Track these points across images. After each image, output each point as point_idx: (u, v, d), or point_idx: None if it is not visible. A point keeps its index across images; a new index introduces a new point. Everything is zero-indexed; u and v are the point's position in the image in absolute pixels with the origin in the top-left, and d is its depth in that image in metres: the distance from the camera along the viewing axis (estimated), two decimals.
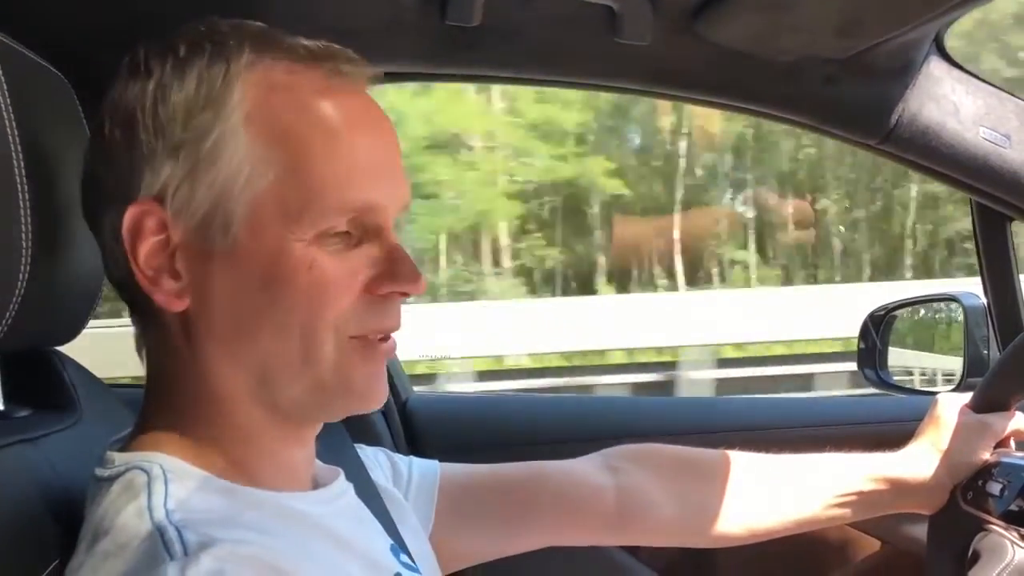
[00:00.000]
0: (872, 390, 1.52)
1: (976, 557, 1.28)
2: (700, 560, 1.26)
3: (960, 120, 1.08)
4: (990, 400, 0.98)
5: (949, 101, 1.08)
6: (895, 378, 1.52)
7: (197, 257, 0.62)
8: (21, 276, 0.64)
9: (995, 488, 0.94)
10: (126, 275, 0.64)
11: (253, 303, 0.62)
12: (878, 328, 1.54)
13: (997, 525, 0.94)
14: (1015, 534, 0.92)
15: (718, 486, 0.95)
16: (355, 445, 0.89)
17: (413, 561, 0.78)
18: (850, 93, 1.08)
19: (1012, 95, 1.11)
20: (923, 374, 1.56)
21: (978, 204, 1.26)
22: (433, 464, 0.92)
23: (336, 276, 0.62)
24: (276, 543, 0.60)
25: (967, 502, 0.96)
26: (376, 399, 0.68)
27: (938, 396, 1.01)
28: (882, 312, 1.56)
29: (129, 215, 0.62)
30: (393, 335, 0.68)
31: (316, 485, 0.72)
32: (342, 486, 0.74)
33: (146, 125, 0.61)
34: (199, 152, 0.61)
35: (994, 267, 1.32)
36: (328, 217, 0.62)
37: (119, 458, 0.64)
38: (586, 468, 0.95)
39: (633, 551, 1.23)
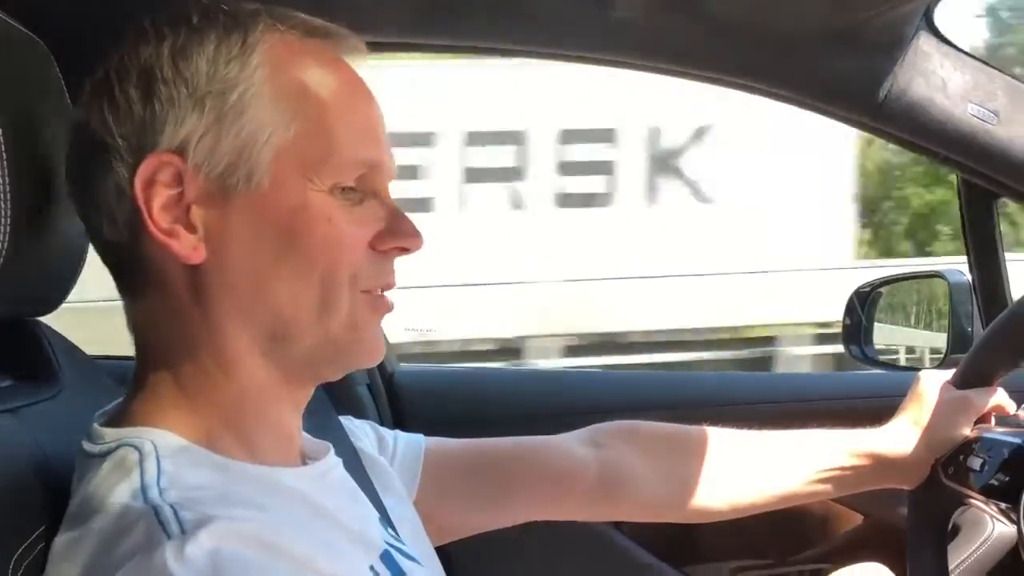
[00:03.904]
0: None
1: (956, 531, 1.30)
2: (683, 532, 1.27)
3: (948, 96, 1.08)
4: (972, 376, 0.99)
5: (938, 76, 1.08)
6: (880, 354, 1.53)
7: (215, 209, 0.63)
8: (1, 246, 0.64)
9: (976, 463, 0.95)
10: (129, 233, 0.63)
11: (273, 253, 0.63)
12: (863, 304, 1.55)
13: (977, 499, 0.95)
14: (994, 508, 0.93)
15: (701, 462, 0.95)
16: (341, 416, 0.89)
17: (398, 533, 0.78)
18: (840, 67, 1.07)
19: (1000, 71, 1.10)
20: (908, 350, 1.57)
21: (964, 181, 1.27)
22: (418, 438, 0.92)
23: (350, 229, 0.65)
24: (271, 518, 0.60)
25: (948, 477, 0.97)
26: (379, 353, 0.71)
27: (920, 373, 1.02)
28: (867, 289, 1.56)
29: (145, 167, 0.62)
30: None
31: (305, 460, 0.72)
32: (331, 461, 0.74)
33: (167, 80, 0.62)
34: (225, 104, 0.62)
35: (979, 244, 1.33)
36: (344, 170, 0.65)
37: (109, 434, 0.63)
38: (570, 444, 0.96)
39: (616, 523, 1.23)
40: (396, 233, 0.68)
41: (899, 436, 0.97)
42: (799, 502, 0.98)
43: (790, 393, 1.39)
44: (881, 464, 0.97)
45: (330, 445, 0.75)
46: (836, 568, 1.09)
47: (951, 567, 1.24)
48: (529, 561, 1.23)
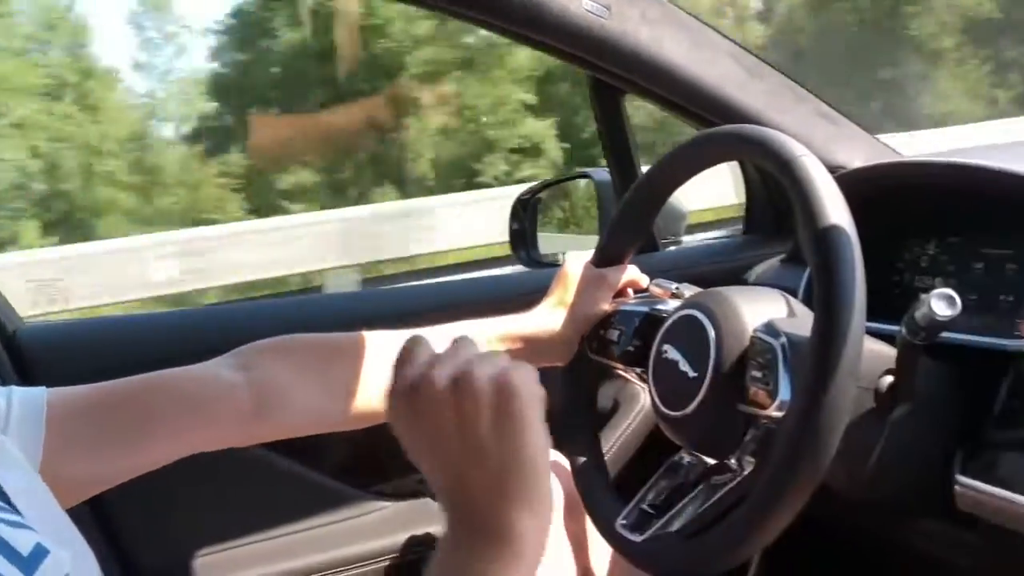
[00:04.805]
0: None
1: (616, 407, 1.41)
2: (366, 450, 1.25)
3: None
4: (607, 255, 1.05)
5: None
6: (544, 255, 1.61)
7: None
8: None
9: (614, 334, 1.01)
10: None
11: None
12: (526, 210, 1.62)
13: (618, 367, 1.01)
14: (633, 374, 1.00)
15: (358, 366, 0.93)
16: None
17: (11, 503, 0.69)
18: None
19: None
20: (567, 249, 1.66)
21: (593, 79, 1.33)
22: (38, 391, 0.82)
23: None
24: None
25: (592, 351, 1.03)
26: None
27: (567, 255, 1.07)
28: (528, 195, 1.63)
29: None
30: None
31: None
32: None
33: None
34: None
35: (614, 141, 1.41)
36: None
37: None
38: (213, 369, 0.89)
39: (274, 447, 1.18)
40: None
41: (545, 316, 1.02)
42: None
43: (458, 298, 1.40)
44: (531, 345, 1.00)
45: None
46: None
47: (612, 441, 1.35)
48: (191, 500, 1.16)
